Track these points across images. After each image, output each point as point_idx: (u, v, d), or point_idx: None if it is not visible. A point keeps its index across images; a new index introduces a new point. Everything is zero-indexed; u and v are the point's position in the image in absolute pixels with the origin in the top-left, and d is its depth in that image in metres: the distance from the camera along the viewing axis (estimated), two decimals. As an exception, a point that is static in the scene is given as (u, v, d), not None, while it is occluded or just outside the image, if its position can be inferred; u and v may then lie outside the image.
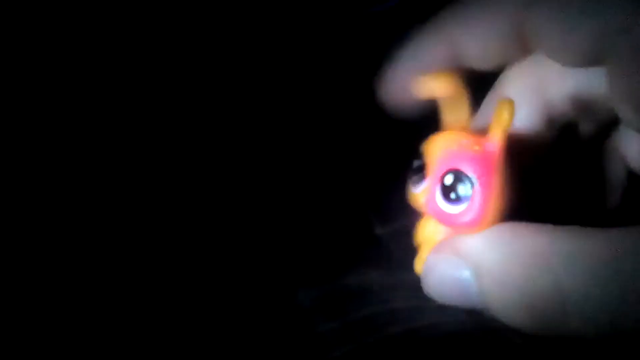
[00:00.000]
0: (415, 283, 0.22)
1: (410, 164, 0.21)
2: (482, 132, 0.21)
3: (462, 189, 0.19)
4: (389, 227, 0.26)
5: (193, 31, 0.29)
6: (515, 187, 0.20)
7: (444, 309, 0.20)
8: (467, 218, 0.19)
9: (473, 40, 0.22)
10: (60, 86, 0.27)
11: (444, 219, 0.20)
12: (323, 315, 0.21)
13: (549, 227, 0.18)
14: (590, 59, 0.20)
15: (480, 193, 0.19)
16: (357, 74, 0.31)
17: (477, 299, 0.19)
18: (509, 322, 0.18)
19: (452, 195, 0.19)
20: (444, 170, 0.20)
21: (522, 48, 0.22)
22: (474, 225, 0.20)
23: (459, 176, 0.19)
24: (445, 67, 0.22)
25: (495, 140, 0.20)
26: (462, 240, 0.19)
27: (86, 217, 0.26)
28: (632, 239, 0.17)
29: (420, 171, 0.20)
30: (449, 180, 0.19)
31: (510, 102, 0.19)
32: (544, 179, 0.25)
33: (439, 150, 0.20)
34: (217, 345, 0.20)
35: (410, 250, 0.24)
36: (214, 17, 0.29)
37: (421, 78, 0.20)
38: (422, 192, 0.20)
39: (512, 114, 0.19)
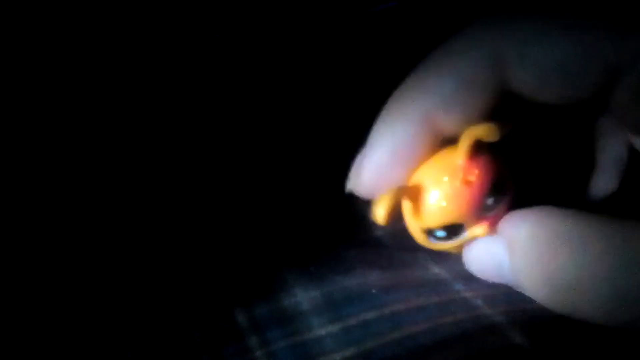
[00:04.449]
0: (415, 283, 0.22)
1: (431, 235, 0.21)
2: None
3: (498, 197, 0.20)
4: (388, 228, 0.26)
5: (192, 31, 0.29)
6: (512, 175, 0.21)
7: (444, 308, 0.20)
8: (509, 202, 0.20)
9: (451, 117, 0.20)
10: (60, 87, 0.27)
11: (496, 222, 0.20)
12: (322, 318, 0.21)
13: (574, 212, 0.19)
14: (594, 94, 0.19)
15: (508, 185, 0.20)
16: (358, 73, 0.31)
17: (509, 274, 0.19)
18: (534, 296, 0.19)
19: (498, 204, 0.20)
20: (479, 208, 0.20)
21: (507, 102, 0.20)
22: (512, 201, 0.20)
23: (494, 190, 0.20)
24: (422, 145, 0.20)
25: (466, 149, 0.20)
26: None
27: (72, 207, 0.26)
28: None
29: (451, 233, 0.20)
30: (490, 201, 0.20)
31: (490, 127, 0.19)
32: (538, 163, 0.25)
33: (458, 208, 0.20)
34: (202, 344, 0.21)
35: (410, 252, 0.24)
36: (214, 16, 0.29)
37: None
38: (474, 230, 0.20)
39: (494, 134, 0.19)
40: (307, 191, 0.27)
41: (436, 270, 0.23)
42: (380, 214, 0.19)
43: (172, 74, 0.29)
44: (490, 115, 0.21)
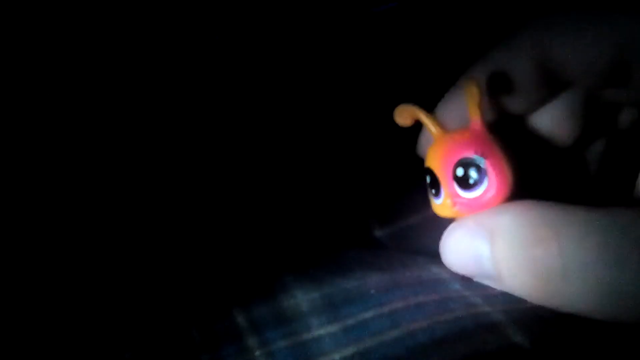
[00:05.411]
0: (414, 282, 0.22)
1: (424, 184, 0.22)
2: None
3: (474, 172, 0.20)
4: (387, 229, 0.26)
5: (194, 31, 0.29)
6: (518, 164, 0.21)
7: (443, 305, 0.20)
8: (490, 193, 0.20)
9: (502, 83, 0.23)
10: (61, 87, 0.27)
11: (470, 207, 0.21)
12: (321, 318, 0.21)
13: (560, 203, 0.19)
14: (615, 72, 0.21)
15: (491, 165, 0.20)
16: (359, 75, 0.31)
17: (489, 266, 0.19)
18: (515, 288, 0.19)
19: (471, 181, 0.20)
20: (451, 166, 0.20)
21: (549, 82, 0.23)
22: (498, 197, 0.20)
23: (466, 163, 0.20)
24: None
25: (475, 119, 0.21)
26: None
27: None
28: (632, 216, 0.17)
29: (433, 185, 0.21)
30: (460, 171, 0.20)
31: (474, 81, 0.20)
32: (545, 158, 0.25)
33: (439, 157, 0.21)
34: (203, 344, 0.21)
35: (409, 253, 0.24)
36: (216, 17, 0.29)
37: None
38: (446, 200, 0.21)
39: (479, 90, 0.20)
40: (306, 193, 0.28)
41: (435, 270, 0.23)
42: (395, 114, 0.22)
43: (172, 75, 0.29)
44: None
